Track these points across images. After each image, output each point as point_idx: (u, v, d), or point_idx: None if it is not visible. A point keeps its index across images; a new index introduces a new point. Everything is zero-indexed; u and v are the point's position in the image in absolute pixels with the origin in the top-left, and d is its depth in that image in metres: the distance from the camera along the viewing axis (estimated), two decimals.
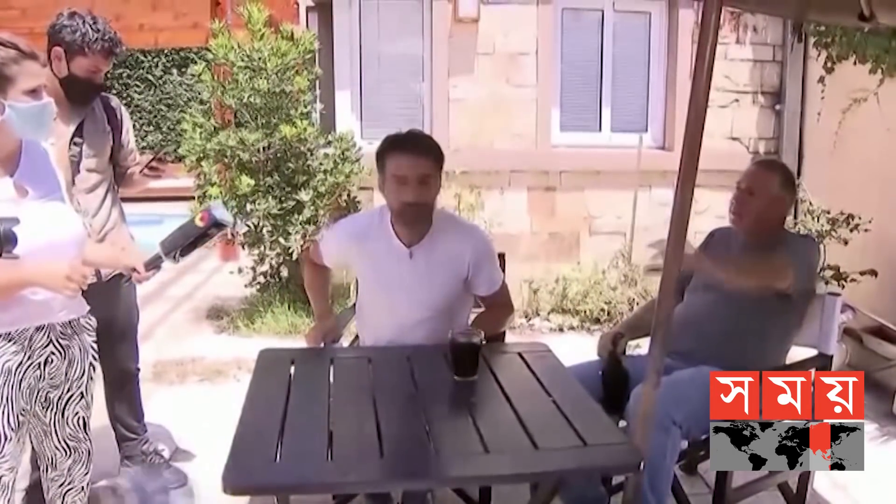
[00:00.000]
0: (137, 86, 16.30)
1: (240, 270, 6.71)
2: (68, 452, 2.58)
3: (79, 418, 2.58)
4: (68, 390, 2.53)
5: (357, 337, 3.54)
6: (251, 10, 6.10)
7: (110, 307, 3.50)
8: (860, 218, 5.29)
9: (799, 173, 6.55)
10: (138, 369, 3.81)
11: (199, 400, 4.89)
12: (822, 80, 6.11)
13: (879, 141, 5.45)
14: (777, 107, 6.76)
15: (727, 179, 6.35)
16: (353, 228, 3.25)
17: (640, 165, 6.46)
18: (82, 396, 2.58)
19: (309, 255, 3.42)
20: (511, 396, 2.57)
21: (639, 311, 3.98)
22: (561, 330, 6.30)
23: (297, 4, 7.73)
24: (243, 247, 6.54)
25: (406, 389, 2.64)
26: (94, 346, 2.62)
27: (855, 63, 5.50)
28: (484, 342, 2.72)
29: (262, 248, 6.35)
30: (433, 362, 2.83)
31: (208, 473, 2.24)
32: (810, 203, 5.69)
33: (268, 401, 2.52)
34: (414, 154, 2.95)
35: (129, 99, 16.03)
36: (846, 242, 5.27)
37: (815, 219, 5.50)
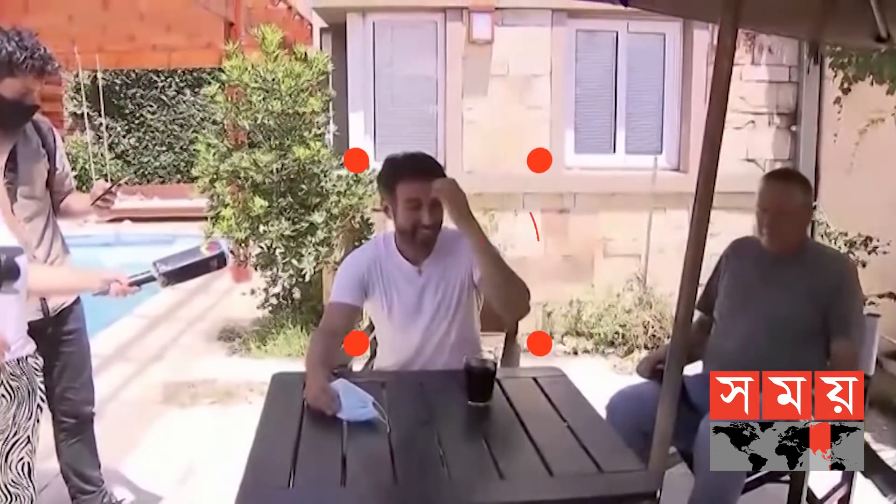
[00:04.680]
0: (150, 106, 16.44)
1: (252, 292, 6.73)
2: (9, 499, 2.44)
3: (23, 464, 2.46)
4: (15, 433, 2.41)
5: (370, 360, 3.52)
6: (265, 31, 6.14)
7: (60, 345, 3.26)
8: (878, 240, 5.24)
9: (815, 195, 6.50)
10: (93, 413, 3.49)
11: (210, 422, 4.87)
12: (838, 101, 6.08)
13: None
14: (793, 128, 6.73)
15: (743, 201, 6.33)
16: (362, 258, 3.17)
17: (655, 187, 6.43)
18: (28, 441, 2.46)
19: (321, 328, 3.13)
20: (526, 422, 2.55)
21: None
22: (575, 353, 6.28)
23: (311, 26, 7.78)
24: (256, 268, 6.55)
25: (420, 414, 2.62)
26: (42, 386, 2.52)
27: (872, 84, 5.47)
28: (498, 363, 2.71)
29: (275, 269, 6.35)
30: (447, 387, 2.80)
31: (222, 497, 2.22)
32: (827, 225, 5.65)
33: (281, 425, 2.50)
34: (426, 178, 2.95)
35: (141, 119, 16.21)
36: (864, 265, 5.22)
37: (833, 241, 5.46)
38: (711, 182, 2.36)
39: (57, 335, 3.23)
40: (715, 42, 3.24)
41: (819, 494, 3.16)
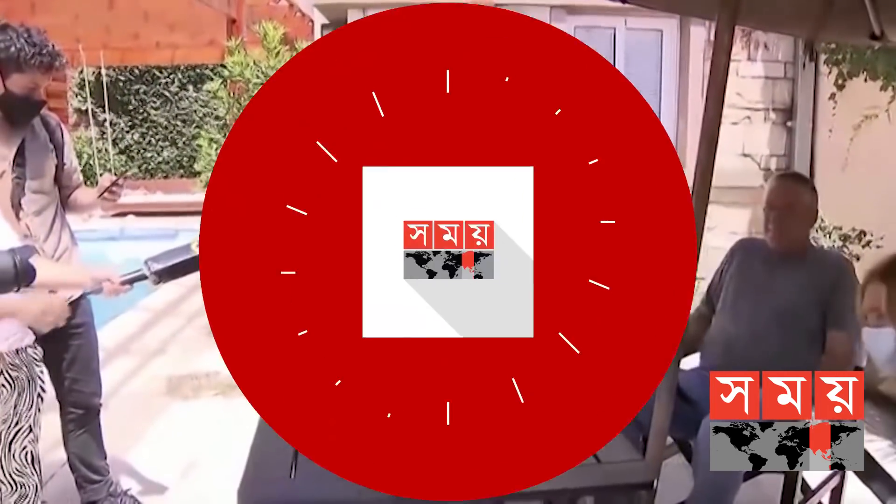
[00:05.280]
0: (153, 102, 16.41)
1: None
2: (14, 487, 2.46)
3: (26, 452, 2.48)
4: (16, 423, 2.44)
5: None
6: (267, 27, 6.16)
7: (68, 338, 3.26)
8: (872, 234, 5.28)
9: None
10: (101, 404, 3.49)
11: (213, 414, 4.90)
12: (833, 96, 6.11)
13: (891, 157, 5.45)
14: (788, 123, 6.76)
15: (739, 196, 6.44)
16: None
17: None
18: (30, 430, 2.48)
19: None
20: None
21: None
22: None
23: (312, 22, 7.79)
24: None
25: None
26: (42, 376, 2.55)
27: (865, 80, 5.51)
28: None
29: None
30: None
31: (225, 488, 2.25)
32: (822, 219, 5.68)
33: None
34: None
35: (145, 115, 16.18)
36: (858, 258, 5.27)
37: (827, 235, 5.50)
38: (709, 177, 2.37)
39: (66, 328, 3.12)
40: (712, 38, 3.26)
41: (813, 485, 3.20)
